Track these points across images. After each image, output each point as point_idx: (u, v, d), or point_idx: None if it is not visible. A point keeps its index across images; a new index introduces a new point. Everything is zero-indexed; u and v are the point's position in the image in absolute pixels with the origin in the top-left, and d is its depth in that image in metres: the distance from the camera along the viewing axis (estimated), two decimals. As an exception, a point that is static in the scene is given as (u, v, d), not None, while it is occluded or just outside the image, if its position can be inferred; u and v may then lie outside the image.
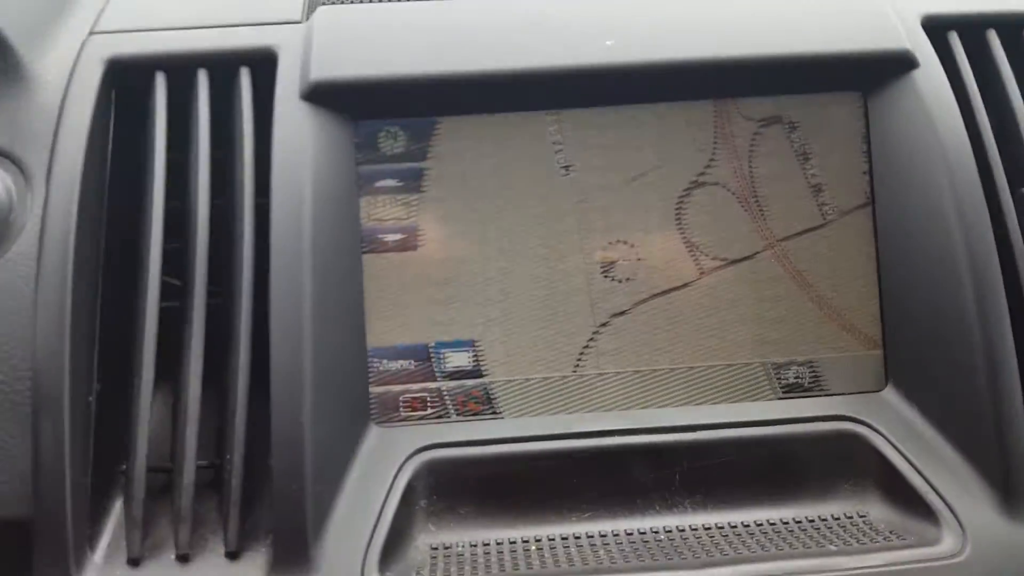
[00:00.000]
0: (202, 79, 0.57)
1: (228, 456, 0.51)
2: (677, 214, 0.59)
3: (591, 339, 0.58)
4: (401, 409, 0.58)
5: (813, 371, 0.58)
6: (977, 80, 0.58)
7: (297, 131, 0.55)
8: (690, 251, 0.59)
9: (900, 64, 0.57)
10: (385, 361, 0.58)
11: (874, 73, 0.58)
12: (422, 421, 0.58)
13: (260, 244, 0.53)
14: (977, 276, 0.52)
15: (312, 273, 0.52)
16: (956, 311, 0.53)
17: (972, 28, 0.59)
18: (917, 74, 0.57)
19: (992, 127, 0.57)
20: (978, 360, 0.52)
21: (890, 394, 0.57)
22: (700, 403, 0.58)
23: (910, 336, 0.56)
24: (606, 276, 0.58)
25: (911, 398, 0.56)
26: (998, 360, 0.51)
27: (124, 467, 0.53)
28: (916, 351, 0.56)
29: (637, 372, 0.58)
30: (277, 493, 0.48)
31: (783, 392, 0.58)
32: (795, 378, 0.58)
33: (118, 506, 0.52)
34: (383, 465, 0.54)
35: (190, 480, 0.50)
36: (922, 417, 0.55)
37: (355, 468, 0.53)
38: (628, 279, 0.58)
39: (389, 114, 0.58)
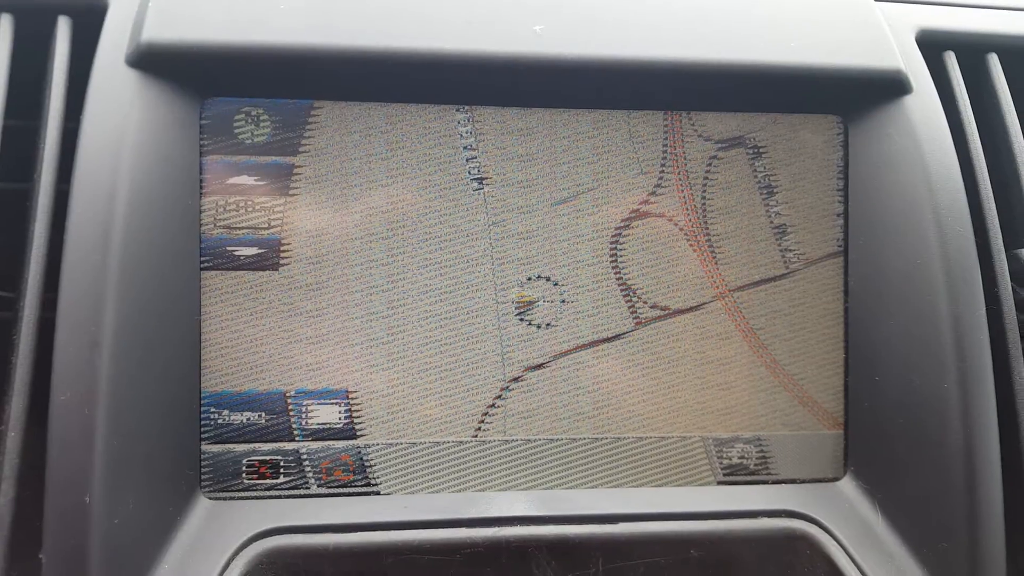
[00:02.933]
0: (4, 27, 0.45)
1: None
2: (612, 249, 0.48)
3: (499, 397, 0.47)
4: (244, 476, 0.45)
5: (761, 450, 0.49)
6: (972, 109, 0.49)
7: (118, 104, 0.42)
8: (625, 296, 0.48)
9: (891, 87, 0.48)
10: (225, 412, 0.45)
11: (859, 95, 0.49)
12: (270, 493, 0.45)
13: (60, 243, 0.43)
14: (963, 358, 0.44)
15: (119, 286, 0.41)
16: (935, 397, 0.44)
17: (972, 50, 0.50)
18: (909, 100, 0.47)
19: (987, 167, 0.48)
20: (956, 464, 0.43)
21: (848, 485, 0.48)
22: (625, 484, 0.47)
23: (878, 418, 0.47)
24: (522, 319, 0.47)
25: (872, 493, 0.47)
26: (978, 467, 0.43)
27: None
28: (883, 437, 0.47)
29: (552, 441, 0.47)
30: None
31: (724, 474, 0.48)
32: (740, 458, 0.48)
33: None
34: (210, 554, 0.43)
35: None
36: (883, 518, 0.46)
37: (169, 558, 0.42)
38: (549, 325, 0.47)
39: (249, 92, 0.45)
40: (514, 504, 0.45)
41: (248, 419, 0.45)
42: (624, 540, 0.45)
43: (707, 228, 0.48)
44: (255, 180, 0.45)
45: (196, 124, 0.44)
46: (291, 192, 0.46)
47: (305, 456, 0.46)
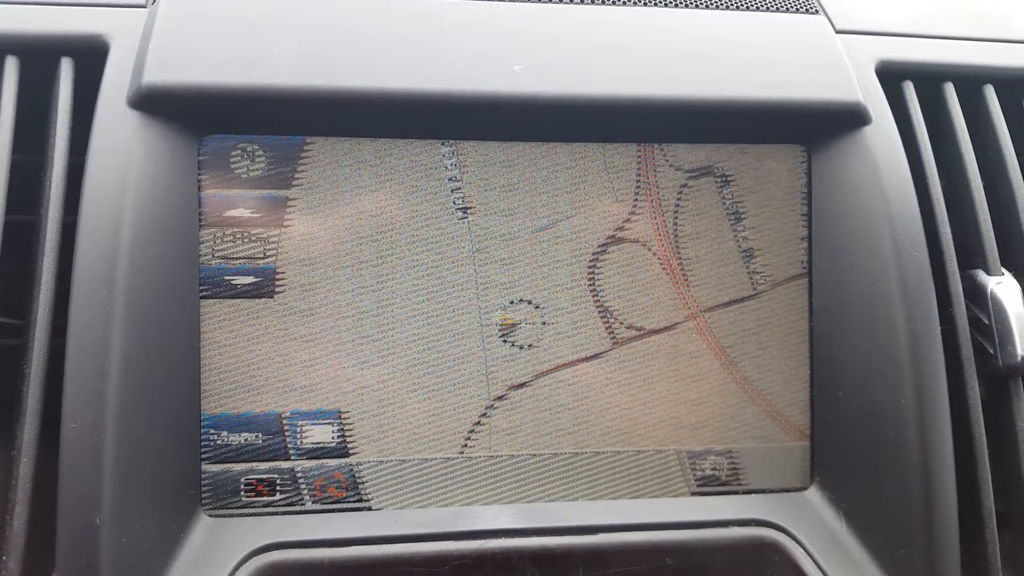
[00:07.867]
0: (10, 69, 0.47)
1: (3, 558, 0.42)
2: (590, 273, 0.50)
3: (484, 415, 0.49)
4: (242, 494, 0.47)
5: (732, 462, 0.51)
6: (929, 137, 0.52)
7: (120, 143, 0.45)
8: (603, 317, 0.50)
9: (851, 119, 0.50)
10: (224, 433, 0.47)
11: (821, 126, 0.51)
12: (267, 510, 0.48)
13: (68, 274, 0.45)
14: (919, 373, 0.47)
15: (125, 318, 0.43)
16: (893, 411, 0.47)
17: (929, 79, 0.53)
18: (868, 130, 0.50)
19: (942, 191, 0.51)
20: (913, 474, 0.46)
21: (814, 495, 0.50)
22: (604, 496, 0.50)
23: (841, 430, 0.50)
24: (505, 341, 0.49)
25: (837, 502, 0.49)
26: (935, 477, 0.46)
27: None
28: (846, 448, 0.49)
29: (535, 456, 0.50)
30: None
31: (698, 485, 0.51)
32: (712, 469, 0.51)
33: None
34: (211, 569, 0.45)
35: None
36: (847, 525, 0.48)
37: (174, 574, 0.44)
38: (531, 346, 0.50)
39: (245, 130, 0.47)
40: (499, 517, 0.48)
41: (246, 439, 0.48)
42: (603, 550, 0.47)
43: (679, 252, 0.51)
44: (251, 212, 0.48)
45: (195, 160, 0.47)
46: (285, 223, 0.48)
47: (300, 474, 0.48)
